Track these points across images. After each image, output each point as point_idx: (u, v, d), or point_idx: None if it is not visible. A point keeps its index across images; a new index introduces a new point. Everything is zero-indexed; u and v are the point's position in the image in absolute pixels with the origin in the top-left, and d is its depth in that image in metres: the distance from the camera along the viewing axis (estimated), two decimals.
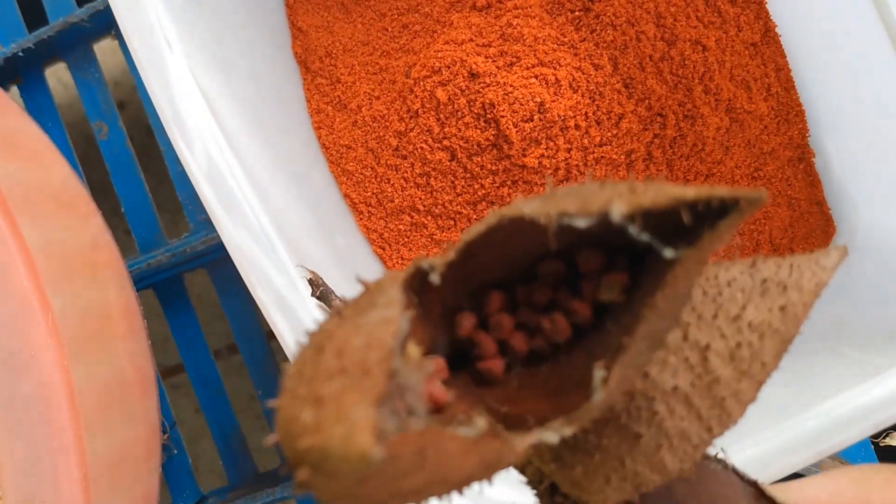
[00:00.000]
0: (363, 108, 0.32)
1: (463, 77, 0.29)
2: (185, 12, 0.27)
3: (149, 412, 0.33)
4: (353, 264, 0.30)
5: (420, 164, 0.31)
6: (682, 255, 0.11)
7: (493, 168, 0.30)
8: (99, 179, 0.43)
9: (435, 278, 0.12)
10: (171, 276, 0.39)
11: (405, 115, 0.31)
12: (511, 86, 0.29)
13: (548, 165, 0.29)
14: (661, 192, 0.11)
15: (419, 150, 0.30)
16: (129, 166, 0.39)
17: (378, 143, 0.31)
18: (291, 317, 0.24)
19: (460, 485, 0.11)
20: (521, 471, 0.15)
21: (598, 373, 0.12)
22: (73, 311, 0.30)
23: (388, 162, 0.31)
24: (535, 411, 0.12)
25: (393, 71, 0.32)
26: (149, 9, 0.25)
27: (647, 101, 0.30)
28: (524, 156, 0.29)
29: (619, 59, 0.30)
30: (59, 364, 0.28)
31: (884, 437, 0.36)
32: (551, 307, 0.13)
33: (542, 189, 0.30)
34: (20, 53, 0.38)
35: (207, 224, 0.38)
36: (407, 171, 0.31)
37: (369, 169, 0.32)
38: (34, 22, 0.40)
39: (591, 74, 0.29)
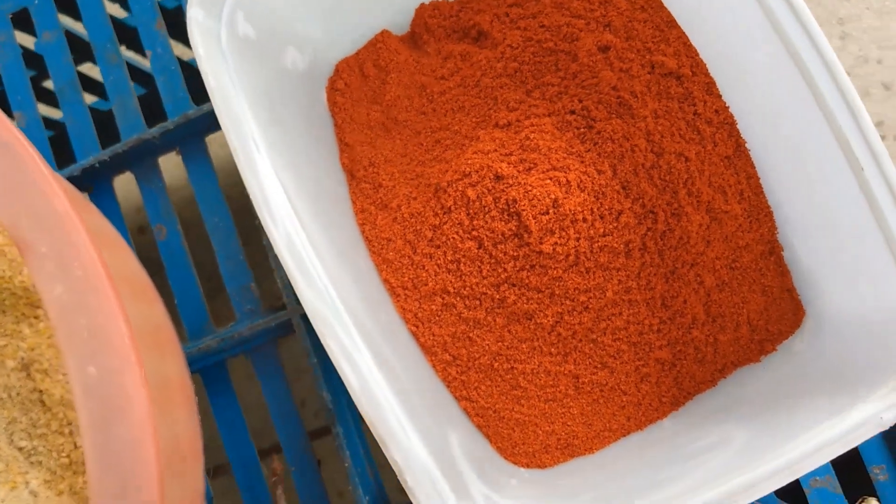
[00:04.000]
0: (402, 207, 0.38)
1: (490, 179, 0.35)
2: (270, 128, 0.33)
3: (198, 480, 0.37)
4: (393, 338, 0.35)
5: (451, 252, 0.36)
6: None
7: (515, 254, 0.35)
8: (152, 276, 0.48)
9: None
10: (217, 362, 0.43)
11: (439, 212, 0.37)
12: (530, 185, 0.35)
13: (560, 252, 0.35)
14: None
15: (451, 240, 0.36)
16: (184, 263, 0.44)
17: (415, 235, 0.37)
18: (353, 362, 0.29)
19: None
20: None
21: None
22: (150, 375, 0.34)
23: (424, 251, 0.37)
24: None
25: (428, 176, 0.38)
26: (244, 123, 0.31)
27: (641, 200, 0.36)
28: (541, 243, 0.35)
29: (618, 166, 0.36)
30: (149, 414, 0.32)
31: (860, 502, 0.40)
32: None
33: (555, 272, 0.35)
34: (96, 165, 0.44)
35: (252, 314, 0.43)
36: (440, 259, 0.37)
37: (406, 258, 0.37)
38: (107, 138, 0.46)
39: (594, 178, 0.36)
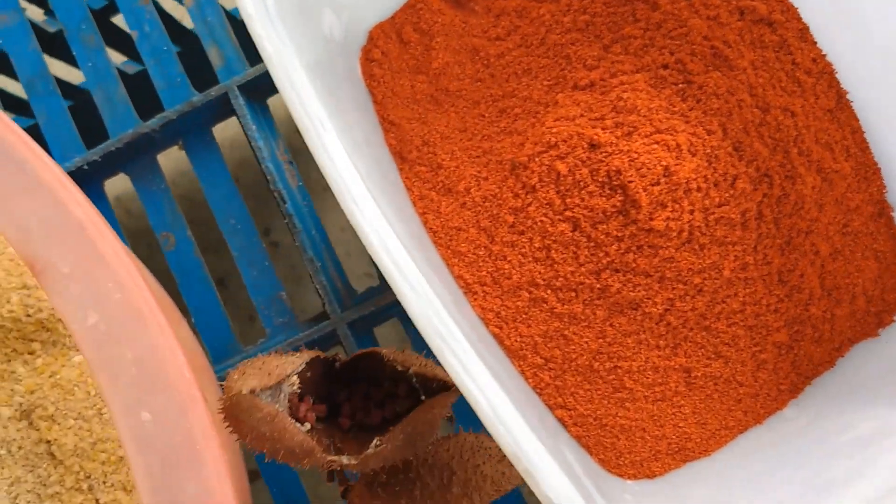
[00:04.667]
0: (471, 190, 0.32)
1: (583, 148, 0.30)
2: (328, 100, 0.27)
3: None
4: (482, 344, 0.30)
5: (539, 237, 0.31)
6: (428, 400, 0.24)
7: (619, 234, 0.30)
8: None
9: (295, 388, 0.24)
10: None
11: (520, 192, 0.31)
12: (635, 152, 0.30)
13: (673, 228, 0.30)
14: (431, 370, 0.24)
15: (539, 224, 0.31)
16: (200, 276, 0.38)
17: (491, 221, 0.32)
18: (449, 339, 0.24)
19: (287, 450, 0.23)
20: (344, 496, 0.27)
21: (374, 442, 0.23)
22: None
23: (504, 239, 0.31)
24: (351, 451, 0.23)
25: (499, 152, 0.33)
26: (310, 98, 0.25)
27: (755, 162, 0.31)
28: (652, 219, 0.30)
29: (727, 125, 0.31)
30: (225, 464, 0.26)
31: None
32: (381, 403, 0.26)
33: (666, 252, 0.30)
34: (84, 167, 0.37)
35: (286, 327, 0.37)
36: (525, 247, 0.31)
37: (483, 249, 0.32)
38: (91, 137, 0.39)
39: (705, 139, 0.31)
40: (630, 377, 0.32)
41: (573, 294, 0.31)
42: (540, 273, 0.31)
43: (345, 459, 0.23)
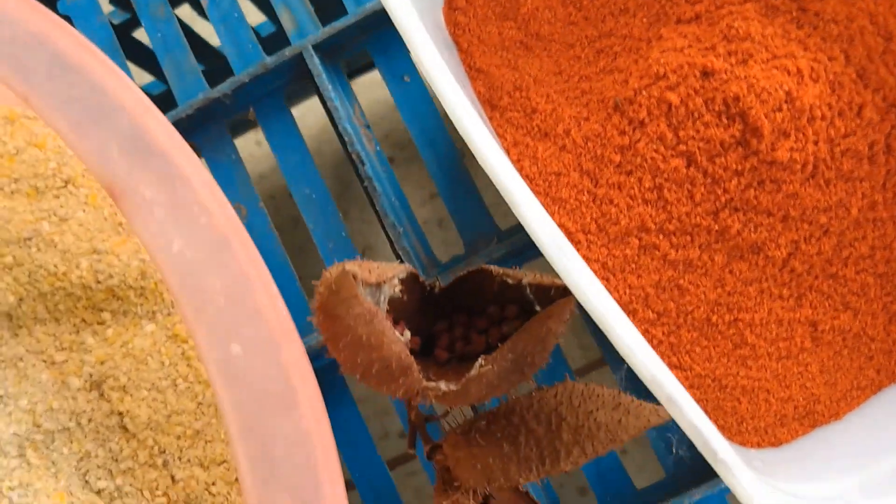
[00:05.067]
0: (571, 132, 0.30)
1: (695, 77, 0.28)
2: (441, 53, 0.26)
3: None
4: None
5: (650, 176, 0.28)
6: (541, 311, 0.21)
7: (739, 168, 0.28)
8: None
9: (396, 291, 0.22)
10: (327, 364, 0.35)
11: (627, 128, 0.29)
12: (753, 78, 0.27)
13: (798, 159, 0.27)
14: (548, 278, 0.21)
15: (649, 161, 0.28)
16: (274, 248, 0.35)
17: (595, 163, 0.29)
18: (586, 277, 0.21)
19: (382, 362, 0.20)
20: (430, 457, 0.25)
21: (479, 361, 0.21)
22: None
23: (610, 181, 0.29)
24: (447, 379, 0.21)
25: (600, 91, 0.30)
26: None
27: (881, 91, 0.29)
28: (774, 150, 0.27)
29: (849, 52, 0.29)
30: (320, 402, 0.24)
31: None
32: (484, 331, 0.23)
33: (790, 187, 0.28)
34: None
35: None
36: (633, 188, 0.29)
37: (586, 193, 0.29)
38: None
39: (826, 65, 0.28)
40: (752, 331, 0.29)
41: (688, 238, 0.28)
42: (651, 216, 0.29)
43: (443, 385, 0.21)
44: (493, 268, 0.21)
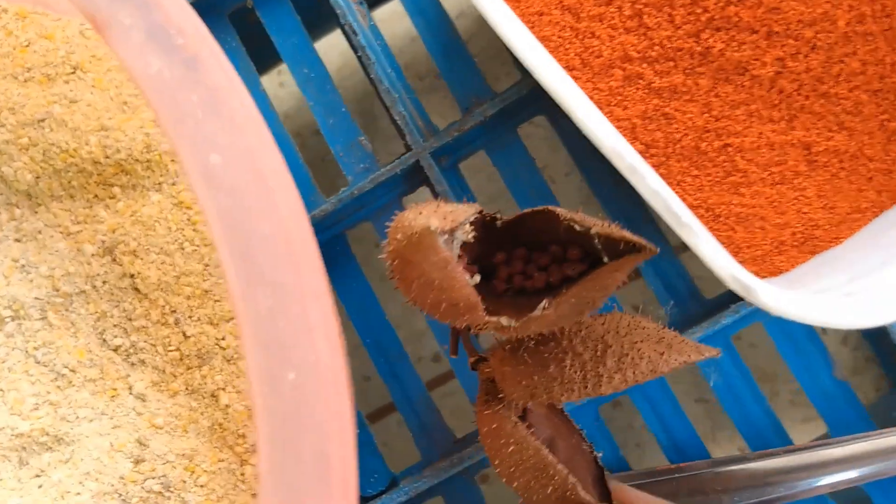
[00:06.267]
0: None
1: None
2: None
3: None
4: None
5: (629, 3, 0.28)
6: (610, 263, 0.20)
7: None
8: None
9: (469, 237, 0.22)
10: (334, 235, 0.35)
11: None
12: None
13: None
14: (617, 231, 0.20)
15: None
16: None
17: None
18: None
19: (451, 301, 0.21)
20: (475, 367, 0.27)
21: (542, 304, 0.21)
22: None
23: (591, 13, 0.29)
24: (506, 314, 0.21)
25: None
26: None
27: None
28: None
29: None
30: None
31: None
32: (545, 268, 0.23)
33: (772, 0, 0.27)
34: None
35: (367, 172, 0.35)
36: (614, 17, 0.29)
37: (568, 29, 0.29)
38: None
39: None
40: (743, 157, 0.29)
41: (672, 63, 0.28)
42: (633, 45, 0.29)
43: (504, 321, 0.21)
44: (561, 210, 0.22)
